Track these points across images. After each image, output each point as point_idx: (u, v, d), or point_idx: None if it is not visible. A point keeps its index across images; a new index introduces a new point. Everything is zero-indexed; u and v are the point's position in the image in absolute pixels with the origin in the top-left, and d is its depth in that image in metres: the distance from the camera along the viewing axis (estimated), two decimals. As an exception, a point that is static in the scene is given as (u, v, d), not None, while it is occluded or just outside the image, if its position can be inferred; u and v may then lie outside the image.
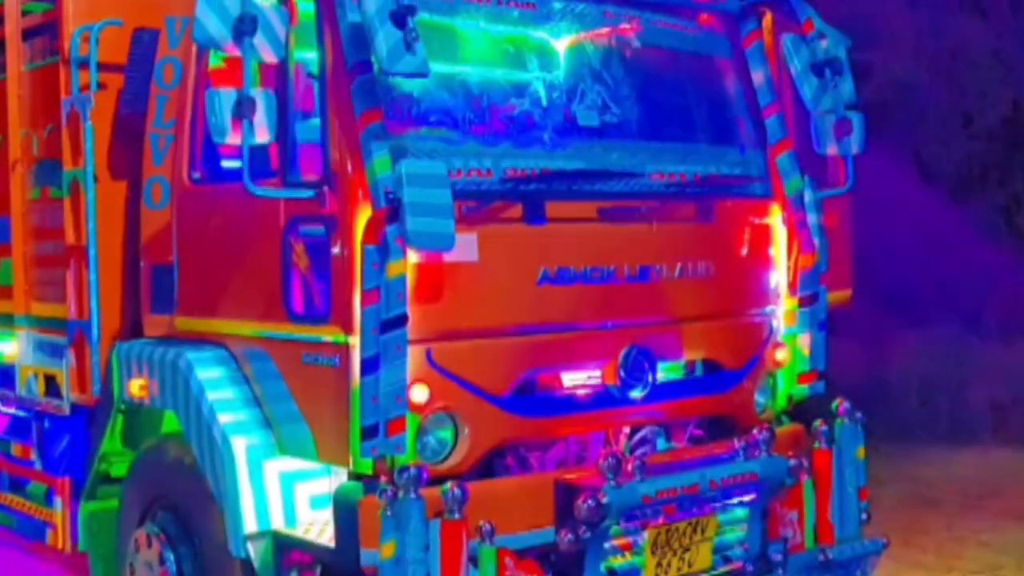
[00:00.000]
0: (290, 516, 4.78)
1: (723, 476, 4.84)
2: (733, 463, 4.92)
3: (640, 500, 4.56)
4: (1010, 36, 13.27)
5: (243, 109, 4.30)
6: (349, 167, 4.46)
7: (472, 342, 4.62)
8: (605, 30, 5.21)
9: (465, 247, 4.49)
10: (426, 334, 4.48)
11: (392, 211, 4.29)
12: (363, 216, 4.42)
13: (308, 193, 4.52)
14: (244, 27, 4.27)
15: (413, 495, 4.22)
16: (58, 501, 5.86)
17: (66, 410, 5.81)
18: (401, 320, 4.35)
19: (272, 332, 4.83)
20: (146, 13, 5.56)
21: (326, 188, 4.50)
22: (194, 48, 5.24)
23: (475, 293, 4.61)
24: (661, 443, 5.31)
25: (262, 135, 4.37)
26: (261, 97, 4.35)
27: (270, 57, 4.40)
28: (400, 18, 4.21)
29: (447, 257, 4.49)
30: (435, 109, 4.66)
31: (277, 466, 4.80)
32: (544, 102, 4.94)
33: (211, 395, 4.89)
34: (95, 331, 5.56)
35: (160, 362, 5.16)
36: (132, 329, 5.66)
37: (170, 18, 5.38)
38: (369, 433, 4.35)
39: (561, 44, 5.09)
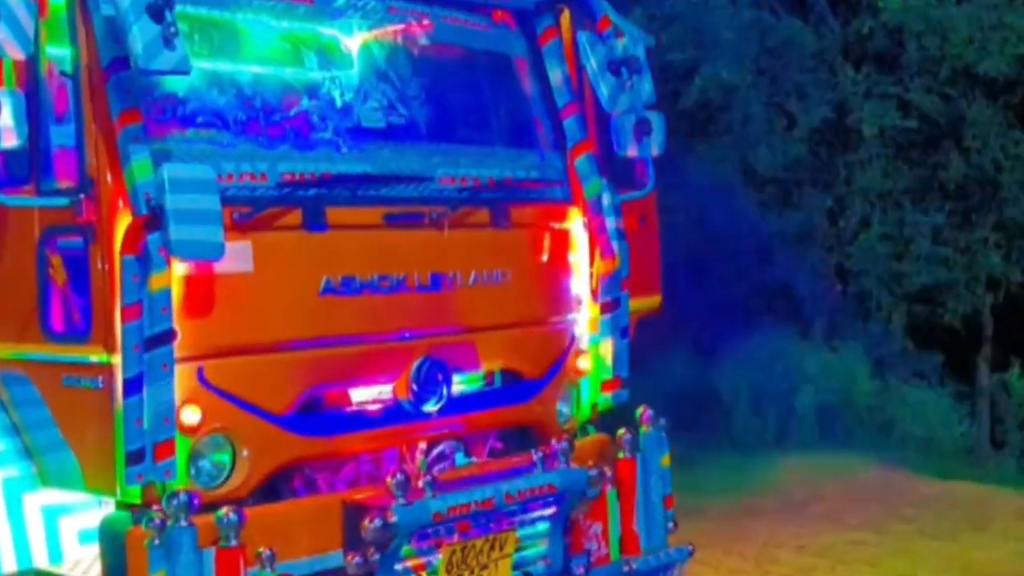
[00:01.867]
0: (55, 553, 4.66)
1: (520, 489, 4.94)
2: (531, 475, 5.04)
3: (432, 518, 4.62)
4: (832, 36, 13.96)
5: None
6: (107, 173, 4.39)
7: (248, 358, 4.60)
8: (391, 27, 5.27)
9: (238, 256, 4.47)
10: (197, 351, 4.44)
11: (153, 218, 4.24)
12: (123, 225, 4.35)
13: (63, 201, 4.42)
14: None
15: (184, 522, 4.17)
16: None
17: None
18: (167, 336, 4.30)
19: (29, 353, 4.70)
20: None
21: (83, 196, 4.42)
22: (-65, 43, 5.05)
23: (251, 306, 4.60)
24: (460, 458, 5.37)
25: (9, 139, 4.25)
26: (7, 97, 4.23)
27: (16, 53, 4.28)
28: (157, 12, 4.17)
29: (218, 267, 4.46)
30: (203, 109, 4.63)
31: (39, 499, 4.68)
32: (327, 102, 4.96)
33: (-38, 425, 4.72)
34: None
35: (-95, 392, 4.94)
36: None
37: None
38: (135, 458, 4.29)
39: (346, 41, 5.11)
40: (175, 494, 4.20)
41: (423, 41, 5.39)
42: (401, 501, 4.55)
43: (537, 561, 5.15)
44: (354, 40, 5.15)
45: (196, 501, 4.23)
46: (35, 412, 4.72)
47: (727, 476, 10.04)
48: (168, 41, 4.19)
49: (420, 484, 4.66)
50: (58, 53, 4.61)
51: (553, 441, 5.19)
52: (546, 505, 5.09)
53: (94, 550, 4.65)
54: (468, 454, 5.44)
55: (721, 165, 13.39)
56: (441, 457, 5.28)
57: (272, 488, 4.72)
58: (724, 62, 13.00)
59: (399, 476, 4.59)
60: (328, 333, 4.81)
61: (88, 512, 4.73)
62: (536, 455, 5.09)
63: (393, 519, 4.50)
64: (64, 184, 4.49)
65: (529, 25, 5.83)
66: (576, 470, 5.16)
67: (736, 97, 13.28)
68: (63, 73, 4.62)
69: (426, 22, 5.40)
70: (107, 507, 4.66)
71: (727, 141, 13.55)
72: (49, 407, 4.68)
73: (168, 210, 4.20)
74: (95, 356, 4.44)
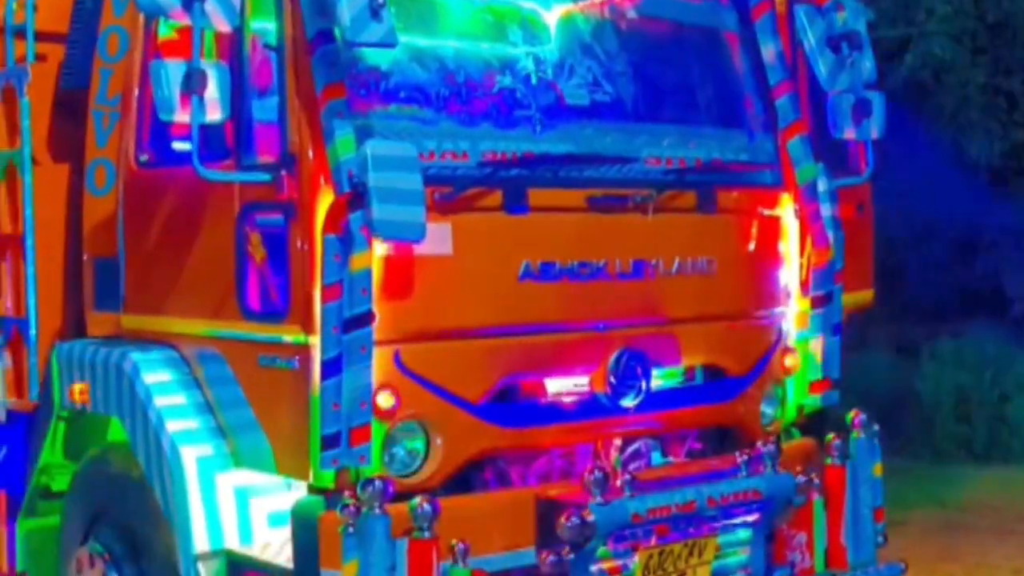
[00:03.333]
0: (245, 534, 4.80)
1: (723, 493, 4.86)
2: (735, 479, 4.95)
3: (630, 519, 4.59)
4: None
5: (193, 83, 4.33)
6: (309, 148, 4.49)
7: (446, 343, 4.65)
8: (597, -1, 5.24)
9: (438, 238, 4.51)
10: (394, 334, 4.50)
11: (356, 197, 4.31)
12: (325, 203, 4.44)
13: (264, 177, 4.54)
14: None
15: (378, 510, 4.25)
16: (-7, 517, 5.88)
17: (1, 417, 5.83)
18: (366, 318, 4.37)
19: (226, 331, 4.86)
20: None
21: (284, 172, 4.53)
22: (142, 16, 5.27)
23: (449, 289, 4.64)
24: (656, 457, 5.32)
25: (214, 112, 4.39)
26: (213, 70, 4.37)
27: (223, 26, 4.42)
28: (367, -18, 4.23)
29: (418, 249, 4.51)
30: (405, 84, 4.69)
31: (231, 479, 4.83)
32: (530, 79, 4.97)
33: (159, 400, 4.92)
34: (33, 330, 5.59)
35: (103, 364, 5.19)
36: (75, 328, 5.69)
37: (116, -19, 5.41)
38: (330, 442, 4.38)
39: (549, 15, 5.10)
40: (370, 481, 4.28)
41: (630, 14, 5.34)
42: (599, 500, 4.53)
43: (737, 570, 5.07)
44: (557, 13, 5.14)
45: (391, 489, 4.29)
46: (228, 391, 4.88)
47: (928, 487, 9.69)
48: (376, 13, 4.26)
49: (619, 483, 4.63)
50: (262, 25, 4.74)
51: (759, 444, 5.09)
52: (749, 511, 5.00)
53: (283, 533, 4.79)
54: (665, 454, 5.40)
55: (931, 150, 12.90)
56: (636, 455, 5.24)
57: (463, 479, 4.76)
58: (938, 39, 12.51)
59: (597, 473, 4.57)
60: (526, 320, 4.82)
61: (278, 495, 4.86)
62: (741, 458, 5.00)
63: (591, 518, 4.48)
64: (265, 160, 4.61)
65: (743, -1, 5.72)
66: (783, 476, 5.05)
67: (951, 77, 12.77)
68: (266, 46, 4.75)
69: None
70: (297, 491, 4.79)
71: (939, 125, 13.05)
72: (242, 386, 4.84)
73: (371, 188, 4.27)
74: (292, 336, 4.55)
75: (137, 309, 5.34)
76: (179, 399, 4.96)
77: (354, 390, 4.37)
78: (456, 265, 4.64)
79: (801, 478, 5.13)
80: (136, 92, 5.31)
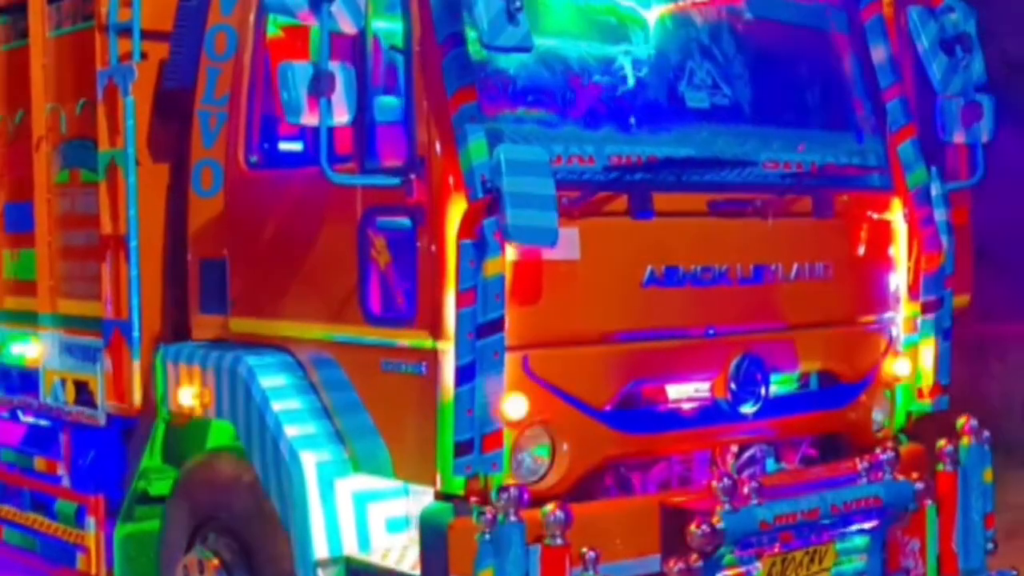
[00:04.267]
0: (364, 541, 4.89)
1: (845, 500, 4.94)
2: (856, 486, 5.03)
3: (758, 526, 4.67)
4: None
5: (321, 86, 4.41)
6: (440, 152, 4.56)
7: (572, 349, 4.73)
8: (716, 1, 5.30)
9: (566, 243, 4.59)
10: (523, 340, 4.58)
11: (490, 202, 4.38)
12: (455, 207, 4.52)
13: (393, 181, 4.61)
14: None
15: (514, 518, 4.33)
16: (91, 522, 5.97)
17: (100, 420, 5.92)
18: (499, 324, 4.45)
19: (346, 336, 4.94)
20: None
21: (413, 175, 4.60)
22: (251, 15, 5.36)
23: (576, 295, 4.72)
24: (771, 464, 5.40)
25: (341, 115, 4.47)
26: (340, 72, 4.44)
27: (348, 27, 4.49)
28: (502, -16, 4.31)
29: (546, 254, 4.59)
30: (532, 88, 4.77)
31: (350, 485, 4.92)
32: (651, 81, 5.04)
33: (276, 405, 5.01)
34: (136, 332, 5.67)
35: (216, 368, 5.27)
36: (174, 331, 5.77)
37: (223, -21, 5.48)
38: (463, 449, 4.46)
39: (668, 16, 5.17)
40: (506, 488, 4.36)
41: (744, 16, 5.41)
42: (728, 507, 4.60)
43: (855, 577, 5.15)
44: (677, 14, 5.21)
45: (525, 496, 4.37)
46: (346, 395, 4.97)
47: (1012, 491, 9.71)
48: (512, 16, 4.34)
49: (746, 490, 4.70)
50: (386, 27, 4.81)
51: (878, 450, 5.16)
52: (868, 518, 5.08)
53: (402, 539, 4.89)
54: (778, 460, 5.48)
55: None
56: (751, 462, 5.32)
57: (585, 486, 4.84)
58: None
59: (726, 480, 4.64)
60: (650, 326, 4.90)
61: (396, 500, 4.96)
62: (861, 464, 5.07)
63: (720, 525, 4.56)
64: (389, 163, 4.69)
65: (853, -1, 5.78)
66: (902, 483, 5.12)
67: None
68: (393, 48, 4.82)
69: None
70: (417, 496, 4.87)
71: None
72: (361, 391, 4.92)
73: (505, 193, 4.35)
74: (419, 341, 4.63)
75: (246, 312, 5.42)
76: (295, 403, 5.05)
77: (487, 396, 4.45)
78: (583, 270, 4.72)
79: (919, 484, 5.20)
80: (245, 92, 5.40)
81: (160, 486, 5.81)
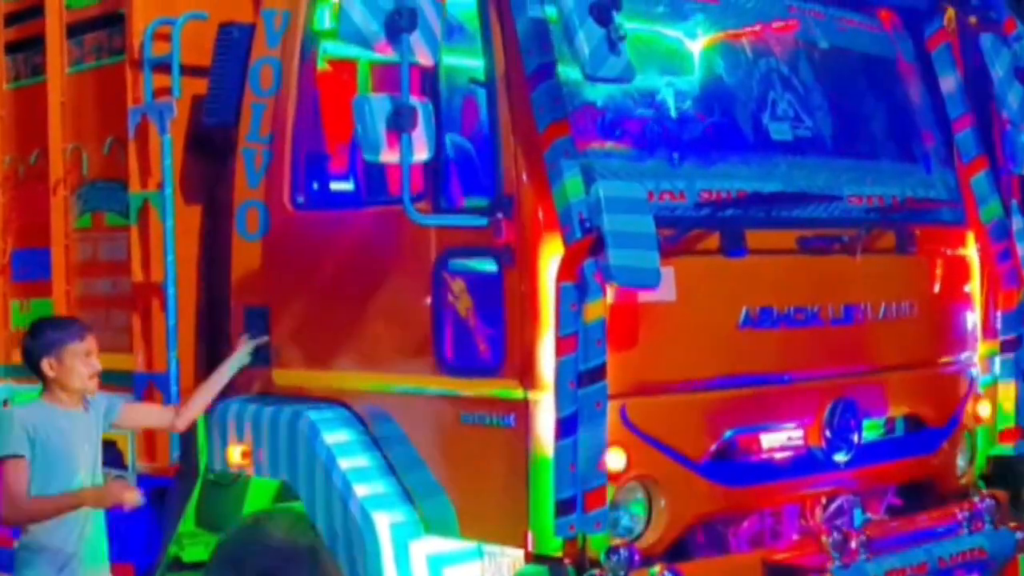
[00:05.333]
0: (440, 605, 4.66)
1: (952, 553, 4.83)
2: (959, 537, 4.91)
3: (869, 582, 4.51)
4: None
5: (403, 121, 4.19)
6: (531, 190, 4.37)
7: (670, 397, 4.55)
8: (794, 30, 5.19)
9: (663, 284, 4.40)
10: (621, 388, 4.36)
11: (595, 242, 4.19)
12: (548, 248, 4.33)
13: (480, 221, 4.40)
14: (402, 22, 4.16)
15: (625, 580, 4.13)
16: (120, 591, 5.65)
17: (131, 482, 5.60)
18: (601, 371, 4.22)
19: (416, 387, 4.71)
20: (233, 5, 5.44)
21: (500, 215, 4.40)
22: (298, 48, 5.15)
23: (672, 338, 4.54)
24: (858, 515, 5.23)
25: (421, 152, 4.26)
26: (420, 107, 4.25)
27: (426, 59, 4.30)
28: (603, 12, 4.14)
29: (643, 296, 4.40)
30: (620, 121, 4.61)
31: (424, 547, 4.68)
32: (736, 113, 4.91)
33: (343, 463, 4.76)
34: (175, 387, 5.38)
35: (271, 424, 5.01)
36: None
37: (268, 11, 5.25)
38: (566, 507, 4.21)
39: (750, 47, 5.05)
40: (615, 549, 4.16)
41: (822, 45, 5.31)
42: (839, 563, 4.45)
43: (957, 631, 5.00)
44: (758, 45, 5.09)
45: (636, 557, 4.17)
46: (411, 451, 4.73)
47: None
48: (614, 45, 4.16)
49: (854, 544, 4.54)
50: (462, 60, 4.63)
51: (975, 499, 5.03)
52: (971, 571, 4.94)
53: (478, 602, 4.66)
54: (864, 510, 5.31)
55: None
56: (839, 512, 5.14)
57: (680, 543, 4.64)
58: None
59: (836, 535, 4.49)
60: (746, 370, 4.73)
61: (471, 563, 4.74)
62: (961, 514, 4.93)
63: (832, 583, 4.40)
64: (472, 202, 4.49)
65: (918, 27, 5.70)
66: (1004, 532, 5.01)
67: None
68: (472, 81, 4.63)
69: (822, 22, 5.31)
70: (493, 558, 4.65)
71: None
72: (429, 445, 4.69)
73: (607, 232, 4.15)
74: (508, 391, 4.42)
75: (293, 363, 5.17)
76: (363, 461, 4.81)
77: (590, 449, 4.22)
78: (679, 312, 4.53)
79: (1020, 534, 5.07)
80: (290, 129, 5.17)
81: (194, 552, 5.53)
